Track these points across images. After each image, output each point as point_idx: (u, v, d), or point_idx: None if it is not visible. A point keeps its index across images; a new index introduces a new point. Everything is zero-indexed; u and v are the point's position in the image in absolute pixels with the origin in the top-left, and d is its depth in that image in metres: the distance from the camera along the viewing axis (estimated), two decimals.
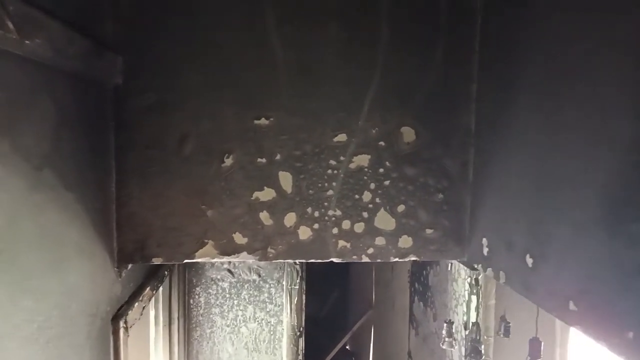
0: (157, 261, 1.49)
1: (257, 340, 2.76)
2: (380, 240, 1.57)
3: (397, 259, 1.57)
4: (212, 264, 2.71)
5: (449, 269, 3.45)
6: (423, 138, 1.56)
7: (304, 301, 2.77)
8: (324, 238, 1.54)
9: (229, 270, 2.72)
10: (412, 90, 1.55)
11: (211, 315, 2.74)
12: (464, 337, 3.23)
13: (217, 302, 2.74)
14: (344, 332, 6.34)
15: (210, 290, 2.73)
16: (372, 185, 1.54)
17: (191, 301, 2.73)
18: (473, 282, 2.89)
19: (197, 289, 2.73)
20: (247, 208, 1.51)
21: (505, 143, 1.37)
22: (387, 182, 1.54)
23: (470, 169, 1.58)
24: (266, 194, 1.51)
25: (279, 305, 2.76)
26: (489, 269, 1.43)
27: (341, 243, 1.55)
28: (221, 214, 1.50)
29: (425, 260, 2.75)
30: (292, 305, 2.73)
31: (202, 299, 2.73)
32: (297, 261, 2.70)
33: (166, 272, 2.15)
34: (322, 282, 7.76)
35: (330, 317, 6.98)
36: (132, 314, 1.57)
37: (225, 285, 2.73)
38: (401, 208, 1.56)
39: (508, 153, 1.35)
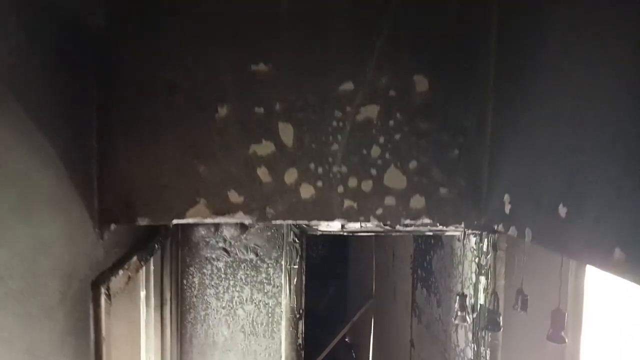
0: (143, 222, 1.35)
1: (255, 323, 2.62)
2: (390, 200, 1.42)
3: (408, 221, 1.43)
4: (207, 243, 2.56)
5: (455, 251, 3.32)
6: (437, 88, 1.42)
7: (304, 282, 2.63)
8: (329, 197, 1.40)
9: (225, 249, 2.58)
10: (425, 35, 1.41)
11: (206, 297, 2.59)
12: (470, 322, 3.10)
13: (212, 283, 2.59)
14: (342, 325, 6.20)
15: (205, 270, 2.58)
16: (382, 139, 1.40)
17: (184, 282, 2.58)
18: (482, 261, 2.76)
19: (191, 268, 2.58)
20: (244, 163, 1.36)
21: (532, 91, 1.23)
22: (397, 136, 1.40)
23: (488, 122, 1.43)
24: (264, 148, 1.36)
25: (278, 286, 2.61)
26: (512, 228, 1.29)
27: (347, 203, 1.41)
28: (214, 169, 1.36)
29: (435, 230, 2.61)
30: (292, 286, 2.59)
31: (196, 280, 2.58)
32: (296, 239, 2.56)
33: (157, 245, 2.00)
34: (318, 275, 7.63)
35: (329, 311, 6.85)
36: (116, 282, 1.43)
37: (221, 264, 2.59)
38: (413, 165, 1.41)
39: (536, 101, 1.21)
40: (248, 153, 1.36)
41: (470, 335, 3.04)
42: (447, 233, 2.69)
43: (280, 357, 2.62)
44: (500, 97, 1.40)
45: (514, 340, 2.72)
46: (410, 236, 4.25)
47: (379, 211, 1.42)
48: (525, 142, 1.27)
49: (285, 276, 2.58)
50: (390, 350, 4.98)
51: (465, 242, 3.10)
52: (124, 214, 1.33)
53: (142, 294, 2.46)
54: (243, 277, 2.59)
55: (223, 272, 2.58)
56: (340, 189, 1.40)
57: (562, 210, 1.06)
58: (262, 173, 1.37)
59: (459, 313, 1.75)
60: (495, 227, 1.38)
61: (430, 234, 2.68)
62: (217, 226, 2.54)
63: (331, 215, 1.40)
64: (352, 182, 1.40)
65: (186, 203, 1.35)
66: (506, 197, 1.34)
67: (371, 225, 2.59)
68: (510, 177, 1.32)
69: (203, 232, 2.55)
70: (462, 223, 1.44)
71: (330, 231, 2.61)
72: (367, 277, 6.07)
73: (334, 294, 7.33)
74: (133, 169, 1.33)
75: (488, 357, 2.72)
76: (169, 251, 2.46)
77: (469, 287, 3.11)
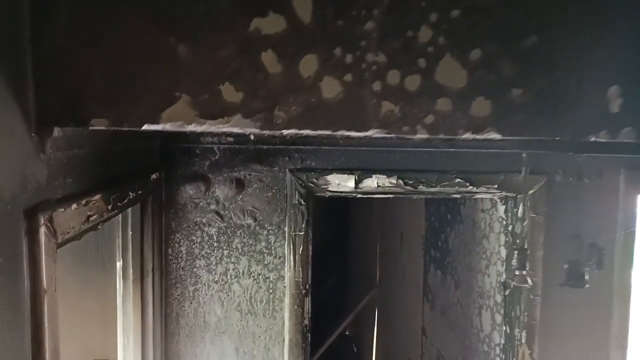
0: (99, 124, 0.95)
1: (253, 300, 2.22)
2: (444, 104, 1.04)
3: (467, 135, 1.05)
4: (196, 205, 2.17)
5: (477, 224, 2.94)
6: None
7: (310, 252, 2.24)
8: (361, 97, 1.01)
9: (218, 213, 2.18)
10: None
11: (195, 269, 2.19)
12: (498, 302, 2.72)
13: (203, 253, 2.19)
14: (343, 317, 5.80)
15: (194, 238, 2.18)
16: (434, 17, 1.01)
17: (169, 251, 2.18)
18: (517, 229, 2.38)
19: (177, 235, 2.18)
20: (242, 45, 0.97)
21: None
22: (455, 13, 1.01)
23: None
24: (271, 23, 0.97)
25: (280, 257, 2.22)
26: (626, 131, 0.92)
27: (386, 106, 1.02)
28: (201, 52, 0.96)
29: (465, 191, 2.24)
30: (296, 257, 2.19)
31: (183, 249, 2.18)
32: (302, 200, 2.18)
33: (131, 194, 1.61)
34: (317, 266, 7.25)
35: (328, 302, 6.47)
36: (66, 218, 1.03)
37: (213, 231, 2.19)
38: (476, 54, 1.03)
39: None
40: (248, 30, 0.97)
41: (498, 318, 2.66)
42: (478, 196, 2.31)
43: (283, 340, 2.23)
44: None
45: (553, 320, 2.35)
46: (421, 215, 3.88)
47: (429, 119, 1.03)
48: None
49: (289, 245, 2.19)
50: (398, 342, 4.60)
51: (492, 211, 2.73)
52: (71, 112, 0.94)
53: (119, 264, 2.06)
54: (239, 245, 2.20)
55: (215, 239, 2.18)
56: (377, 85, 1.01)
57: None
58: (269, 60, 0.98)
59: (518, 272, 1.37)
60: (593, 136, 1.00)
61: (458, 196, 2.30)
62: (207, 184, 2.14)
63: (364, 123, 1.02)
64: (393, 76, 1.02)
65: (161, 99, 0.96)
66: (613, 91, 0.96)
67: (390, 184, 2.20)
68: (622, 62, 0.94)
69: (191, 192, 2.15)
70: (540, 137, 1.05)
71: (341, 192, 2.23)
72: (370, 265, 5.69)
73: (334, 285, 6.96)
74: (81, 49, 0.93)
75: (524, 341, 2.35)
76: (150, 214, 2.05)
77: (495, 263, 2.73)
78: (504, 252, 2.57)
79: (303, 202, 2.18)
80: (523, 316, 2.33)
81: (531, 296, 2.32)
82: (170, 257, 2.17)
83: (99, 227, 1.33)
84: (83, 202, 1.12)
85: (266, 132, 1.00)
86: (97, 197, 1.22)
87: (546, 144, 2.18)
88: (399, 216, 4.54)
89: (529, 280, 1.29)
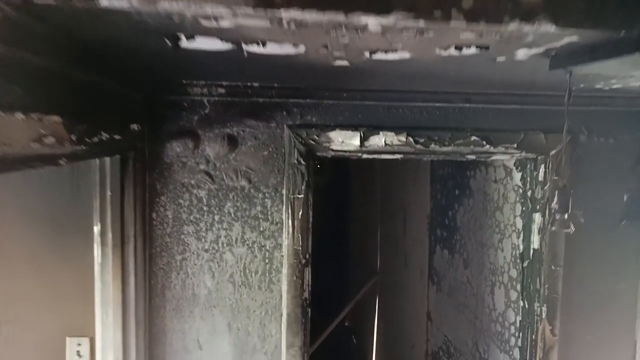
0: None
1: (247, 270, 2.01)
2: None
3: (514, 25, 0.84)
4: (183, 164, 1.94)
5: (490, 196, 2.74)
6: None
7: (310, 217, 2.02)
8: None
9: (208, 173, 1.96)
10: None
11: (183, 236, 1.97)
12: (514, 277, 2.52)
13: (191, 218, 1.97)
14: (342, 307, 5.60)
15: (181, 201, 1.96)
16: None
17: (154, 215, 1.96)
18: (537, 194, 2.18)
19: (163, 198, 1.96)
20: None
21: None
22: None
23: None
24: None
25: (277, 223, 2.00)
26: None
27: None
28: None
29: (481, 152, 2.03)
30: (295, 222, 1.98)
31: (169, 213, 1.96)
32: (301, 160, 1.96)
33: (104, 135, 1.37)
34: (315, 255, 7.03)
35: (327, 293, 6.27)
36: (5, 123, 0.81)
37: (203, 193, 1.97)
38: None
39: None
40: None
41: (513, 294, 2.46)
42: (495, 157, 2.10)
43: (281, 315, 2.02)
44: None
45: (576, 293, 2.15)
46: (426, 193, 3.67)
47: (468, 2, 0.82)
48: None
49: (287, 209, 1.97)
50: (402, 329, 4.40)
51: (506, 180, 2.53)
52: None
53: (96, 229, 1.84)
54: (232, 210, 1.98)
55: (205, 203, 1.96)
56: None
57: None
58: None
59: (558, 216, 1.16)
60: None
61: (472, 157, 2.09)
62: (196, 141, 1.92)
63: (386, 3, 0.80)
64: None
65: None
66: None
67: (398, 142, 1.99)
68: None
69: (178, 150, 1.93)
70: (600, 27, 0.84)
71: (345, 150, 2.01)
72: (371, 252, 5.48)
73: (332, 274, 6.75)
74: None
75: (544, 316, 2.15)
76: (131, 172, 1.83)
77: (510, 235, 2.53)
78: (520, 223, 2.36)
79: (303, 162, 1.96)
80: (543, 289, 2.13)
81: (552, 267, 2.12)
82: (154, 222, 1.95)
83: (62, 162, 1.11)
84: (34, 116, 0.90)
85: (260, 15, 0.78)
86: (56, 118, 1.00)
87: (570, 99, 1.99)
88: (402, 197, 4.33)
89: (572, 226, 1.09)
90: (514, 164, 2.40)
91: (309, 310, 2.06)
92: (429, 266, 3.67)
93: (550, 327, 2.14)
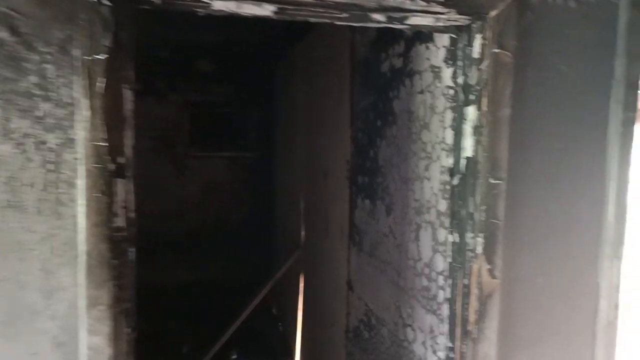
0: None
1: (16, 183, 1.22)
2: None
3: None
4: None
5: (415, 114, 2.11)
6: None
7: (130, 99, 1.26)
8: None
9: None
10: None
11: None
12: (442, 211, 1.89)
13: None
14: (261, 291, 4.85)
15: None
16: None
17: None
18: (470, 79, 1.54)
19: None
20: None
21: None
22: None
23: None
24: None
25: (67, 105, 1.23)
26: None
27: None
28: None
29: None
30: (96, 102, 1.21)
31: None
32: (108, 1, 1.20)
33: None
34: (239, 243, 6.24)
35: (253, 279, 5.55)
36: None
37: None
38: None
39: None
40: None
41: (441, 234, 1.83)
42: (413, 20, 1.44)
43: (77, 255, 1.25)
44: None
45: (524, 217, 1.54)
46: (346, 137, 3.02)
47: None
48: None
49: (82, 82, 1.20)
50: (322, 307, 3.73)
51: (434, 85, 1.90)
52: None
53: None
54: None
55: None
56: None
57: None
58: None
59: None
60: None
61: (382, 19, 1.42)
62: None
63: None
64: None
65: None
66: None
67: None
68: None
69: None
70: None
71: (238, 12, 1.27)
72: (294, 224, 4.78)
73: (258, 260, 6.03)
74: None
75: (479, 251, 1.53)
76: None
77: (439, 156, 1.90)
78: (450, 136, 1.73)
79: (106, 1, 1.20)
80: (479, 213, 1.51)
81: (491, 180, 1.50)
82: None
83: None
84: None
85: None
86: None
87: None
88: (321, 148, 3.67)
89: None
90: (444, 59, 1.78)
91: (129, 248, 1.30)
92: (349, 224, 3.02)
93: (489, 267, 1.52)
